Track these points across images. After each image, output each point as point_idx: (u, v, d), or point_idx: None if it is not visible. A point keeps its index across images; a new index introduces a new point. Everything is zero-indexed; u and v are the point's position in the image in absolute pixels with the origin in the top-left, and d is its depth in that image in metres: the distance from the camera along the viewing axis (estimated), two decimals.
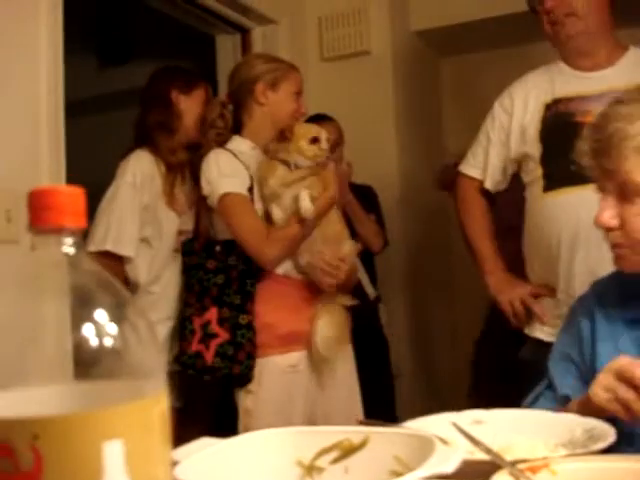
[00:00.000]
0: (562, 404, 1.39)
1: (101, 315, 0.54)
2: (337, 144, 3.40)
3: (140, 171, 2.65)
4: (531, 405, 1.47)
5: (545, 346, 2.17)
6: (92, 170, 3.45)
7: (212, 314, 2.40)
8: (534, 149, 2.27)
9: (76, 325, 0.53)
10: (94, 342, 0.53)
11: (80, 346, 0.53)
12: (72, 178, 2.49)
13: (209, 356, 2.37)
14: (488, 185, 2.46)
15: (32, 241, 0.56)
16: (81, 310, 0.54)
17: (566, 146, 2.19)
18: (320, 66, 3.74)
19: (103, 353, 0.54)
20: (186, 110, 2.79)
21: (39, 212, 0.54)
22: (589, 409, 1.17)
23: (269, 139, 2.54)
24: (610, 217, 1.30)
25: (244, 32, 3.63)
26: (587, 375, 1.41)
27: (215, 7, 3.37)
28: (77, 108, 2.95)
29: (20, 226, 2.20)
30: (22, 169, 2.29)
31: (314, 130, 2.50)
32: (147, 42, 4.59)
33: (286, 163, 2.44)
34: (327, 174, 2.48)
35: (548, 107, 2.28)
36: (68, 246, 0.56)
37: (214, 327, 2.39)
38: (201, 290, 2.45)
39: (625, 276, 1.46)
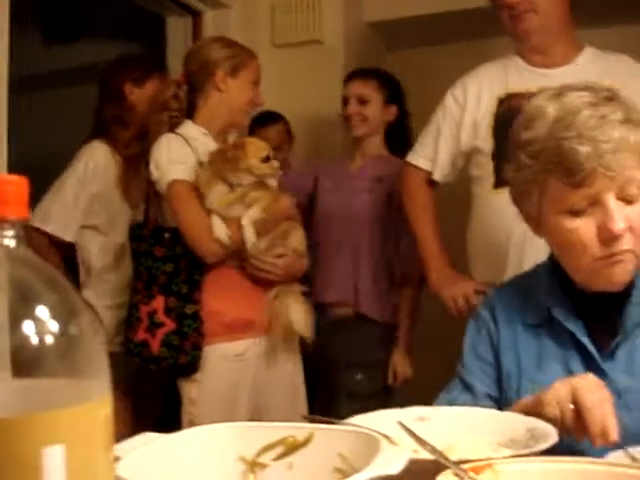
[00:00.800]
0: (484, 401, 1.40)
1: (42, 312, 0.52)
2: (284, 143, 3.45)
3: (93, 161, 2.69)
4: None
5: None
6: (37, 147, 3.38)
7: (159, 303, 2.35)
8: (486, 144, 2.26)
9: (15, 322, 0.51)
10: (34, 340, 0.51)
11: (19, 344, 0.51)
12: (16, 155, 2.47)
13: (155, 345, 2.33)
14: (437, 177, 2.45)
15: None
16: (21, 306, 0.51)
17: None
18: (271, 52, 3.70)
19: (44, 352, 0.51)
20: (140, 102, 2.79)
21: None
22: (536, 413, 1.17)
23: (222, 126, 2.51)
24: (625, 223, 1.25)
25: (195, 15, 3.58)
26: (495, 371, 1.44)
27: None
28: (22, 85, 2.88)
29: None
30: None
31: (265, 148, 2.44)
32: (96, 20, 4.50)
33: (226, 180, 2.39)
34: (275, 193, 2.48)
35: (501, 101, 2.28)
36: (9, 238, 0.53)
37: (160, 316, 2.35)
38: (149, 278, 2.40)
39: (524, 281, 1.50)
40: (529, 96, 2.21)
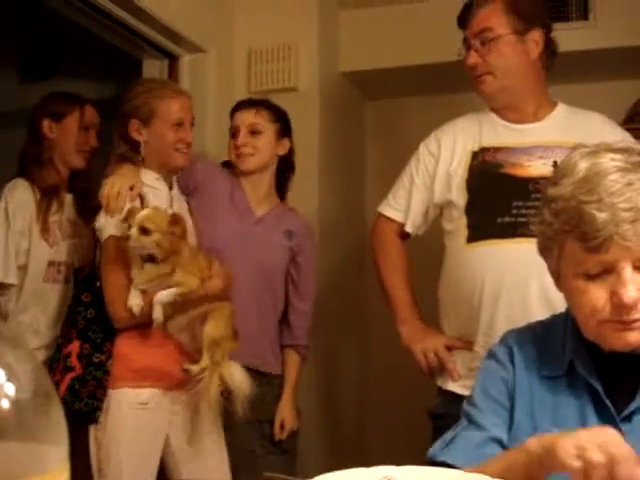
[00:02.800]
0: (489, 445, 1.37)
1: None
2: None
3: (13, 199, 2.64)
4: (443, 450, 1.42)
5: (457, 399, 2.17)
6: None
7: (74, 347, 2.37)
8: (459, 197, 2.26)
9: None
10: None
11: None
12: None
13: (63, 388, 2.33)
14: (409, 229, 2.44)
15: None
16: None
17: (493, 197, 2.23)
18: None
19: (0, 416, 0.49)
20: (59, 139, 2.78)
21: None
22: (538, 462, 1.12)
23: (163, 170, 2.51)
24: (638, 292, 1.22)
25: (172, 58, 3.59)
26: (511, 414, 1.39)
27: (144, 31, 3.32)
28: None
29: None
30: None
31: (131, 214, 2.31)
32: (72, 60, 4.50)
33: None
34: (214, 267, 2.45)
35: (475, 155, 2.28)
36: None
37: (73, 360, 2.36)
38: (72, 321, 2.42)
39: (542, 331, 1.46)
40: (503, 150, 2.25)
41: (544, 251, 1.36)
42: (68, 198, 2.81)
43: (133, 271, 2.31)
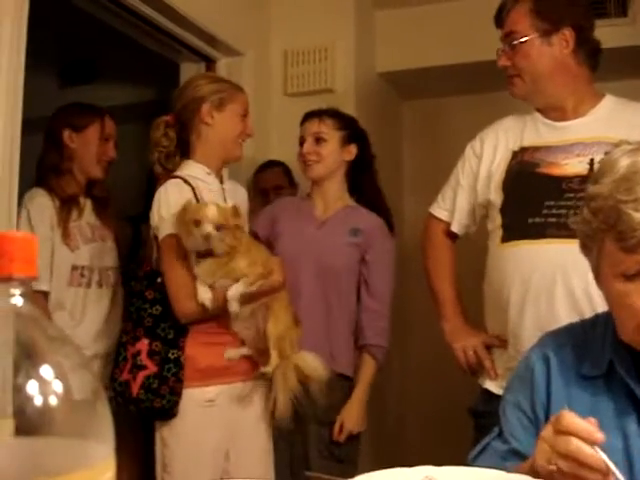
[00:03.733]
0: (512, 458, 1.37)
1: (46, 372, 0.51)
2: (281, 188, 3.50)
3: (33, 206, 2.68)
4: (475, 458, 1.43)
5: (496, 398, 2.16)
6: None
7: (143, 345, 2.35)
8: (496, 197, 2.26)
9: (20, 381, 0.50)
10: (37, 400, 0.50)
11: (22, 403, 0.50)
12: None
13: (135, 387, 2.32)
14: (455, 228, 2.44)
15: None
16: (26, 365, 0.51)
17: (526, 197, 2.21)
18: (283, 101, 3.74)
19: (47, 411, 0.50)
20: (79, 148, 2.81)
21: None
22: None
23: (218, 162, 2.52)
24: None
25: (209, 61, 3.62)
26: (537, 424, 1.39)
27: (181, 35, 3.35)
28: (36, 126, 2.90)
29: None
30: None
31: (196, 210, 2.31)
32: (111, 64, 4.56)
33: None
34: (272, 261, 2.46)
35: (514, 155, 2.28)
36: (17, 297, 0.53)
37: (143, 358, 2.34)
38: (137, 319, 2.40)
39: (582, 330, 1.45)
40: (542, 149, 2.24)
41: (584, 249, 1.34)
42: (87, 203, 2.85)
43: (196, 266, 2.32)
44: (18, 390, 0.50)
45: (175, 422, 2.33)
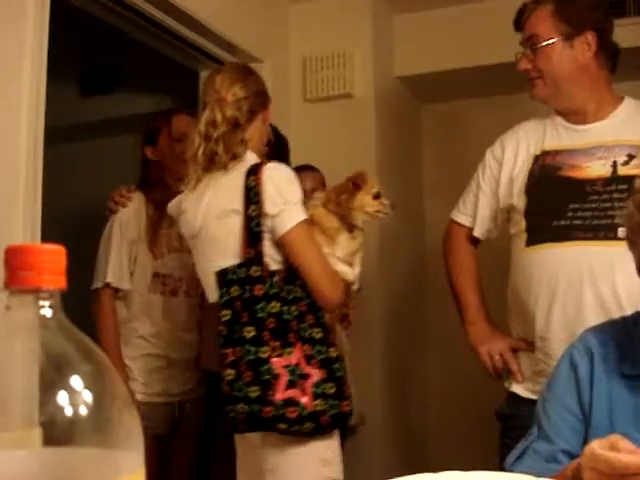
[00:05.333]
0: (561, 459, 1.36)
1: (75, 382, 0.52)
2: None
3: (127, 209, 2.78)
4: (516, 462, 1.41)
5: (522, 401, 2.16)
6: (72, 195, 3.44)
7: (298, 353, 2.07)
8: (520, 201, 2.26)
9: (49, 392, 0.50)
10: (65, 410, 0.51)
11: (52, 413, 0.50)
12: (49, 205, 2.52)
13: (308, 400, 2.04)
14: (477, 234, 2.44)
15: (7, 301, 0.53)
16: (53, 376, 0.51)
17: (550, 201, 2.21)
18: (303, 107, 3.74)
19: (76, 422, 0.51)
20: (161, 159, 2.90)
21: (16, 272, 0.52)
22: None
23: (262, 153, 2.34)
24: None
25: None
26: (583, 425, 1.38)
27: (200, 42, 3.37)
28: (57, 135, 2.93)
29: None
30: None
31: (375, 184, 2.33)
32: (131, 73, 4.59)
33: (342, 218, 2.29)
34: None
35: (536, 159, 2.27)
36: (45, 308, 0.53)
37: (304, 367, 2.06)
38: (279, 325, 2.08)
39: (624, 327, 1.44)
40: (563, 152, 2.23)
41: (629, 243, 1.35)
42: None
43: (334, 246, 2.27)
44: (47, 400, 0.51)
45: (334, 437, 2.13)
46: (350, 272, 2.28)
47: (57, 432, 0.51)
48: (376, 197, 2.33)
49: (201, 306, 2.79)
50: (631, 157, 2.13)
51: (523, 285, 2.20)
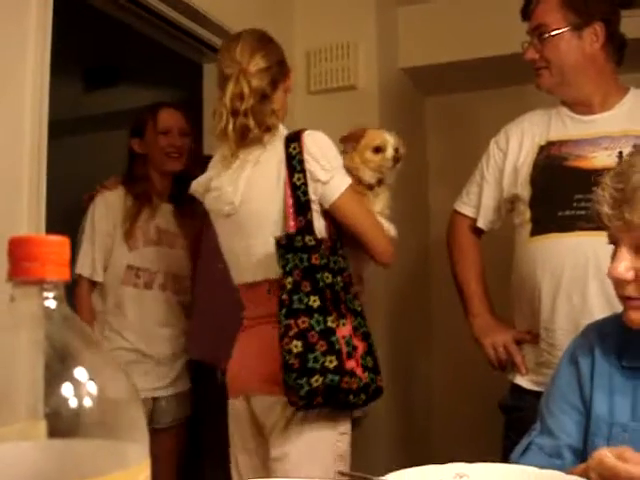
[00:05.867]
0: (565, 453, 1.36)
1: (79, 373, 0.51)
2: None
3: (101, 201, 2.80)
4: (520, 457, 1.42)
5: (526, 393, 2.15)
6: (74, 190, 3.44)
7: (349, 322, 2.03)
8: (524, 191, 2.25)
9: (53, 383, 0.50)
10: (69, 401, 0.50)
11: (57, 405, 0.50)
12: (53, 197, 2.52)
13: (360, 372, 2.00)
14: (480, 224, 2.43)
15: (11, 292, 0.53)
16: (58, 367, 0.51)
17: (555, 191, 2.20)
18: (306, 99, 3.73)
19: (81, 413, 0.51)
20: (148, 152, 2.91)
21: (20, 263, 0.52)
22: None
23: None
24: (625, 270, 1.27)
25: None
26: (585, 420, 1.38)
27: (204, 35, 3.36)
28: (61, 128, 2.94)
29: None
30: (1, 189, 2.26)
31: (378, 138, 2.28)
32: (134, 66, 4.59)
33: (359, 184, 2.25)
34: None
35: (541, 149, 2.26)
36: (49, 300, 0.53)
37: (354, 339, 2.02)
38: (333, 296, 2.02)
39: (622, 322, 1.44)
40: (569, 143, 2.23)
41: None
42: (167, 208, 2.90)
43: (374, 201, 2.26)
44: (52, 392, 0.51)
45: (348, 431, 2.12)
46: (391, 228, 2.28)
47: (62, 424, 0.51)
48: (377, 150, 2.27)
49: (193, 295, 2.80)
50: (638, 148, 2.12)
51: (528, 275, 2.19)
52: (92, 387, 0.52)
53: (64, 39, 2.56)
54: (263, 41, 2.25)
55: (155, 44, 3.47)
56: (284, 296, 2.00)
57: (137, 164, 2.89)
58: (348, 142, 2.32)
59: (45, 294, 0.53)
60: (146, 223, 2.81)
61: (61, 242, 0.54)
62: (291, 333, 1.96)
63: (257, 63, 2.17)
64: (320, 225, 2.10)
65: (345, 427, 2.09)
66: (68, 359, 0.52)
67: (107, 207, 2.77)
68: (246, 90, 2.12)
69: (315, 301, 1.99)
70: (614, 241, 1.30)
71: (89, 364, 0.52)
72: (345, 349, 1.98)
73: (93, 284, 2.76)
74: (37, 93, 2.40)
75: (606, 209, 1.27)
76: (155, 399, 2.78)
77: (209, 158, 2.34)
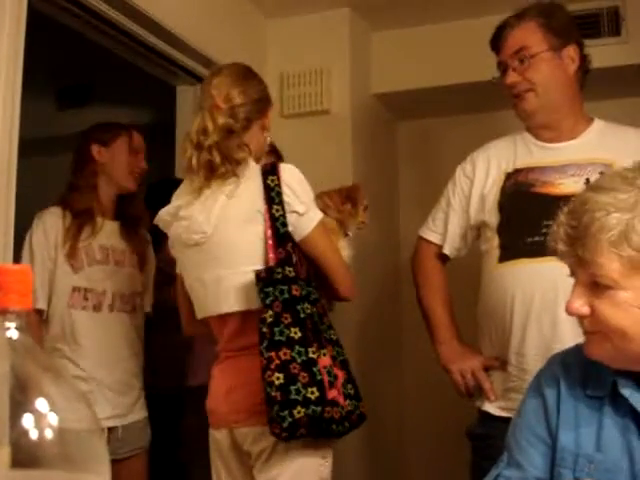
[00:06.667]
0: None
1: (41, 405, 0.51)
2: None
3: (39, 225, 2.64)
4: None
5: (495, 420, 2.15)
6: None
7: (329, 352, 2.04)
8: (492, 218, 2.26)
9: (16, 414, 0.50)
10: (33, 433, 0.50)
11: (19, 436, 0.50)
12: (22, 217, 2.48)
13: (342, 400, 2.00)
14: (446, 251, 2.42)
15: None
16: (20, 398, 0.51)
17: (523, 217, 2.21)
18: (280, 122, 3.73)
19: (42, 444, 0.50)
20: (109, 162, 2.76)
21: None
22: None
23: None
24: (580, 305, 1.28)
25: None
26: (551, 452, 1.37)
27: (177, 57, 3.37)
28: (32, 148, 2.91)
29: None
30: None
31: (366, 199, 2.46)
32: (108, 87, 4.58)
33: (341, 225, 2.36)
34: None
35: (508, 176, 2.27)
36: (12, 330, 0.53)
37: (334, 368, 2.03)
38: (313, 326, 2.03)
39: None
40: (536, 170, 2.25)
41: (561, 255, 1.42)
42: (112, 225, 2.77)
43: (342, 244, 2.35)
44: (14, 423, 0.50)
45: (329, 457, 2.11)
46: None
47: (24, 455, 0.50)
48: (365, 209, 2.41)
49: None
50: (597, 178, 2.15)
51: (497, 302, 2.19)
52: (53, 418, 0.51)
53: (37, 59, 2.56)
54: (244, 77, 2.25)
55: (129, 66, 3.47)
56: (264, 329, 1.99)
57: (88, 171, 2.74)
58: (353, 196, 2.43)
59: (7, 324, 0.53)
60: (88, 242, 2.66)
61: (23, 271, 0.53)
62: (272, 365, 1.95)
63: (230, 100, 2.17)
64: (296, 257, 2.10)
65: (328, 452, 2.09)
66: (30, 390, 0.52)
67: (45, 231, 2.62)
68: (210, 126, 2.12)
69: (296, 332, 1.99)
70: (572, 275, 1.32)
71: (51, 395, 0.52)
72: (327, 379, 1.98)
73: (40, 312, 2.58)
74: (8, 111, 2.38)
75: (561, 246, 1.31)
76: (110, 429, 2.60)
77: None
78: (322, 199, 2.38)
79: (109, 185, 2.77)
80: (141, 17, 2.98)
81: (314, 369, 1.96)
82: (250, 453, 2.09)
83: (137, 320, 2.78)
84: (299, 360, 1.96)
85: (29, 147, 2.53)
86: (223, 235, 2.11)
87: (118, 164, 2.77)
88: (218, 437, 2.16)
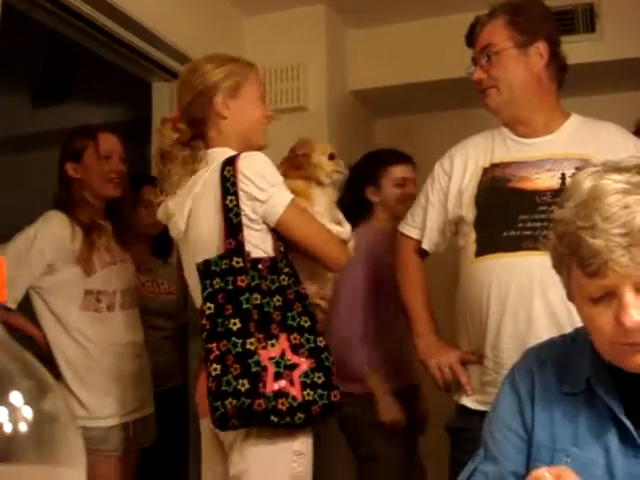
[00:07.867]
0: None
1: (16, 398, 0.51)
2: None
3: (47, 231, 2.65)
4: None
5: (472, 413, 2.17)
6: (24, 205, 3.39)
7: (283, 343, 2.00)
8: (469, 213, 2.27)
9: None
10: (6, 427, 0.50)
11: None
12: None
13: (297, 391, 1.97)
14: (425, 246, 2.45)
15: None
16: None
17: (500, 212, 2.23)
18: None
19: (16, 438, 0.50)
20: (84, 176, 2.76)
21: None
22: None
23: (239, 149, 2.20)
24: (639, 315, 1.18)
25: None
26: (527, 446, 1.38)
27: (153, 53, 3.36)
28: (7, 146, 2.91)
29: None
30: None
31: (328, 146, 2.45)
32: (83, 84, 4.55)
33: (307, 179, 2.32)
34: None
35: (485, 171, 2.29)
36: None
37: (290, 357, 2.00)
38: (263, 317, 2.01)
39: (563, 346, 1.44)
40: (512, 165, 2.26)
41: (557, 271, 1.35)
42: (106, 224, 2.82)
43: (311, 204, 2.26)
44: None
45: (309, 450, 2.08)
46: (343, 230, 2.27)
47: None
48: (330, 158, 2.36)
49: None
50: (579, 170, 2.16)
51: (474, 296, 2.21)
52: (27, 412, 0.51)
53: (11, 56, 2.54)
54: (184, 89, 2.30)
55: (105, 62, 3.45)
56: (204, 321, 2.02)
57: (73, 189, 2.75)
58: (300, 148, 2.39)
59: None
60: (97, 246, 2.72)
61: None
62: (211, 357, 1.98)
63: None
64: (260, 244, 2.09)
65: (302, 447, 2.06)
66: (4, 383, 0.51)
67: (52, 240, 2.65)
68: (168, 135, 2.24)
69: (235, 324, 1.99)
70: (610, 289, 1.20)
71: (25, 388, 0.52)
72: (273, 370, 1.96)
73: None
74: None
75: (619, 257, 1.16)
76: (133, 421, 2.71)
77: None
78: (281, 167, 2.33)
79: (94, 197, 2.78)
80: (116, 14, 2.97)
81: (249, 361, 1.95)
82: (224, 442, 2.12)
83: (138, 314, 2.86)
84: (234, 352, 1.97)
85: (4, 145, 2.51)
86: (194, 231, 2.15)
87: (91, 177, 2.76)
88: (203, 425, 2.20)
